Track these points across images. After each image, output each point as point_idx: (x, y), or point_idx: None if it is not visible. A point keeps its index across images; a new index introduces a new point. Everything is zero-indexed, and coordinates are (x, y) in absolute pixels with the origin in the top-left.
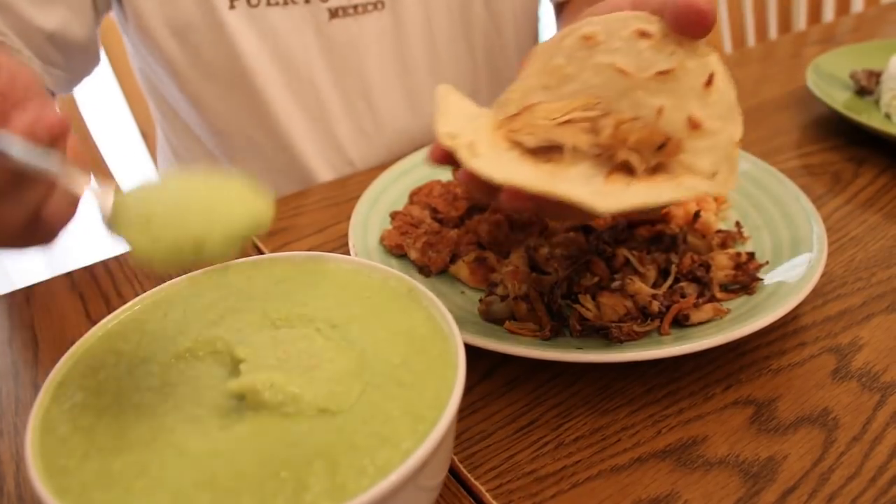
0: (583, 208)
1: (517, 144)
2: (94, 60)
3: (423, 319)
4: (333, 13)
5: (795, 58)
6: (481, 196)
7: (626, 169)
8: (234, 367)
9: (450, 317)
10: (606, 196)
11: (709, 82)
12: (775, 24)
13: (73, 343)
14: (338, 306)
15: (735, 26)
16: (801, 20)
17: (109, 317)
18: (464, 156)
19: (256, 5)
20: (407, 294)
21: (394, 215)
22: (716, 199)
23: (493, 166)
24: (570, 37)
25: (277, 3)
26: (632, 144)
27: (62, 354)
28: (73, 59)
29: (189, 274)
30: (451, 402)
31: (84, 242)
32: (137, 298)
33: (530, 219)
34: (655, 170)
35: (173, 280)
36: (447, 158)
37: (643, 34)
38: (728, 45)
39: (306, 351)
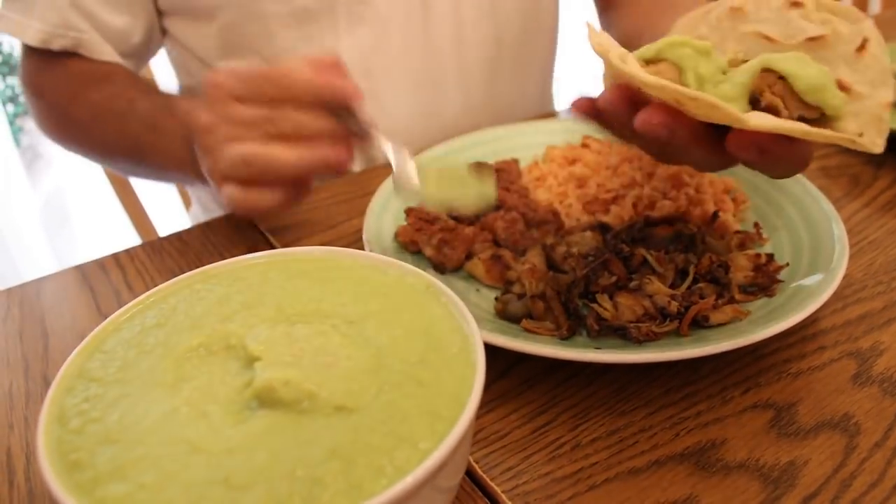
0: (731, 122)
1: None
2: (158, 48)
3: (442, 316)
4: None
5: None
6: (620, 114)
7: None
8: (249, 362)
9: (468, 314)
10: (755, 116)
11: (861, 47)
12: None
13: (83, 337)
14: (354, 303)
15: None
16: None
17: (122, 310)
18: (615, 61)
19: None
20: (425, 291)
21: (408, 211)
22: (734, 200)
23: (643, 75)
24: (716, 9)
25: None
26: (777, 91)
27: (72, 348)
28: (141, 50)
29: (203, 268)
30: (470, 401)
31: (89, 237)
32: (150, 292)
33: (545, 216)
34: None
35: (187, 274)
36: (590, 109)
37: (794, 4)
38: None
39: (322, 348)
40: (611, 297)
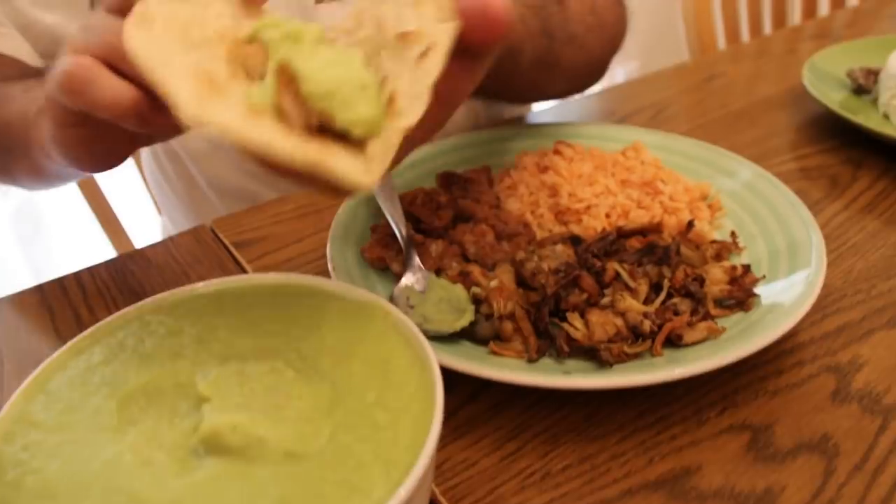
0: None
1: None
2: None
3: (400, 347)
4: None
5: (790, 54)
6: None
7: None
8: (198, 403)
9: (428, 346)
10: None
11: (424, 54)
12: (770, 18)
13: (38, 362)
14: (309, 335)
15: (728, 20)
16: (795, 14)
17: (68, 345)
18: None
19: None
20: (383, 319)
21: (374, 229)
22: (710, 207)
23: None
24: None
25: None
26: (291, 92)
27: (26, 373)
28: None
29: (154, 297)
30: (426, 447)
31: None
32: (98, 325)
33: (516, 229)
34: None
35: (137, 304)
36: None
37: None
38: (722, 41)
39: (274, 387)
40: (582, 315)
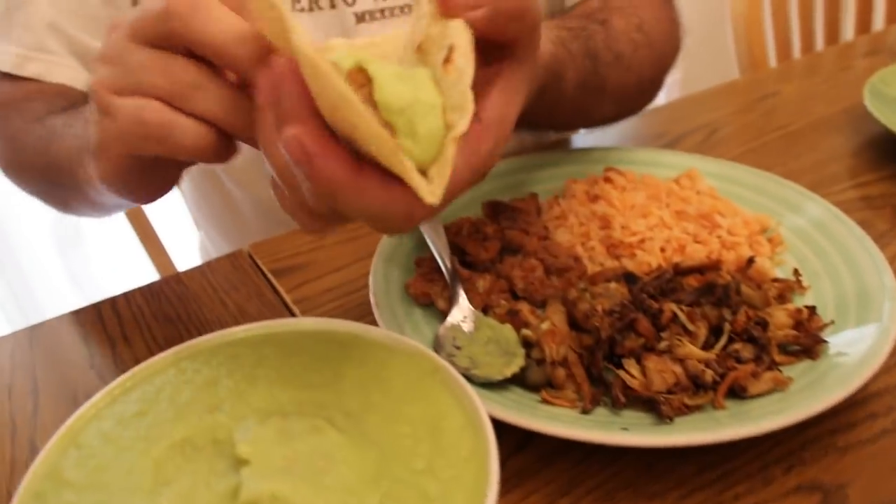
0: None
1: None
2: None
3: (451, 407)
4: (360, 18)
5: (845, 71)
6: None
7: None
8: (236, 463)
9: (481, 407)
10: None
11: (447, 59)
12: (822, 34)
13: (74, 396)
14: (354, 389)
15: (780, 34)
16: (849, 28)
17: (102, 393)
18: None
19: None
20: (432, 374)
21: (419, 262)
22: (770, 241)
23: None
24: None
25: (303, 9)
26: (362, 95)
27: (62, 410)
28: None
29: (192, 342)
30: None
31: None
32: (136, 369)
33: (567, 263)
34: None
35: (176, 348)
36: None
37: None
38: (772, 56)
39: (317, 449)
40: (638, 361)
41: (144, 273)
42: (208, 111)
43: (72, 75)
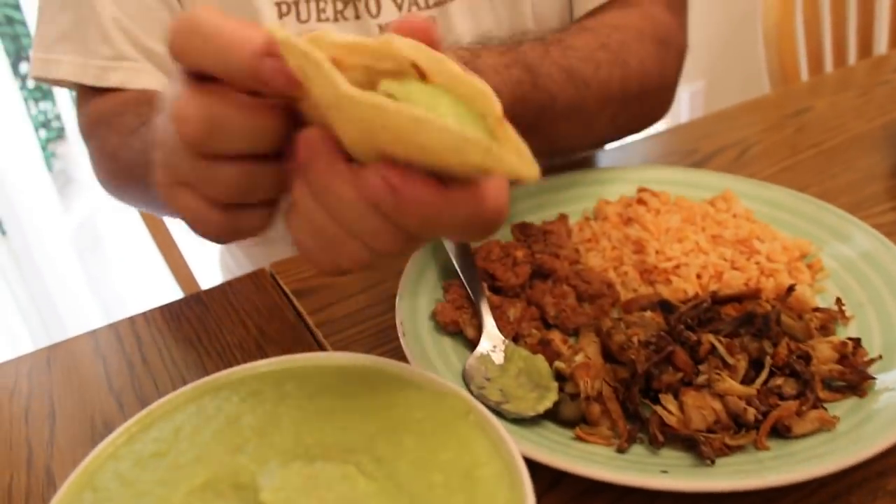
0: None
1: None
2: None
3: (486, 453)
4: (384, 29)
5: (881, 86)
6: None
7: None
8: None
9: (518, 455)
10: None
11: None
12: (854, 46)
13: (91, 420)
14: (384, 432)
15: (812, 47)
16: (882, 42)
17: (119, 430)
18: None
19: (306, 20)
20: (465, 416)
21: (447, 286)
22: (810, 267)
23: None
24: None
25: (328, 19)
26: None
27: (79, 434)
28: None
29: (212, 377)
30: None
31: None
32: (155, 405)
33: (600, 289)
34: None
35: (197, 383)
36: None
37: None
38: (804, 72)
39: (346, 498)
40: (675, 396)
41: (162, 278)
42: (239, 149)
43: (152, 80)
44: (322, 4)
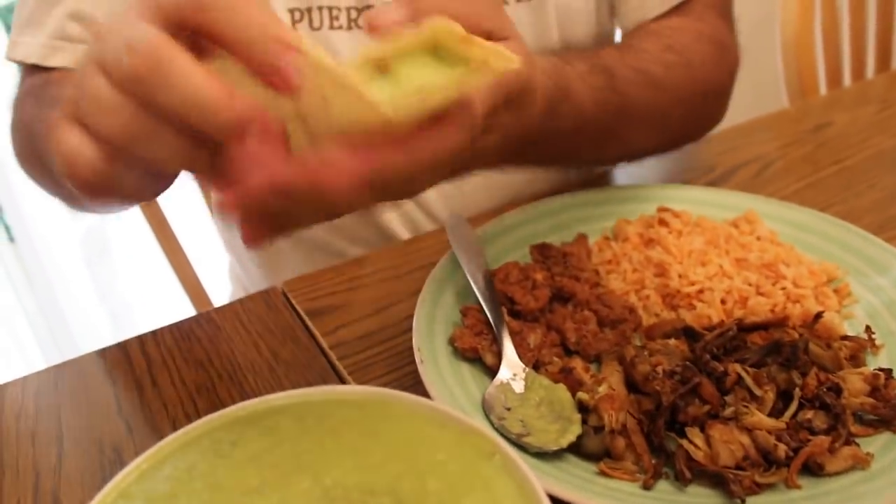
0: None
1: None
2: None
3: (511, 497)
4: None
5: None
6: None
7: None
8: None
9: (546, 499)
10: None
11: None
12: (873, 59)
13: (100, 445)
14: (406, 473)
15: (830, 59)
16: None
17: (130, 467)
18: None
19: (319, 28)
20: (490, 457)
21: (465, 311)
22: (837, 292)
23: None
24: None
25: (341, 27)
26: None
27: (86, 457)
28: None
29: (228, 410)
30: None
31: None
32: (168, 440)
33: (621, 314)
34: None
35: (210, 417)
36: None
37: None
38: (823, 85)
39: None
40: (702, 429)
41: (170, 285)
42: (154, 161)
43: None
44: (335, 12)
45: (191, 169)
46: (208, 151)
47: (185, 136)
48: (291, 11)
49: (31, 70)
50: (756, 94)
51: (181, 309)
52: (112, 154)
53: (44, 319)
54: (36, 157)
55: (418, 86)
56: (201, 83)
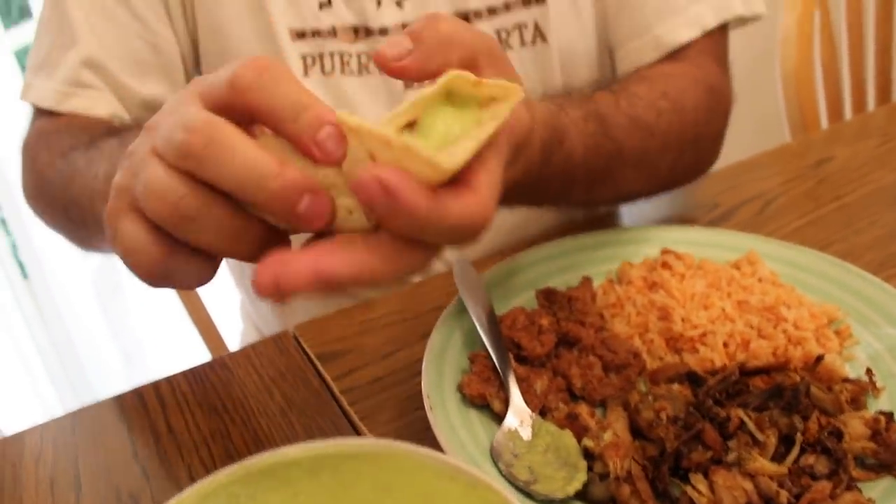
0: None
1: None
2: None
3: None
4: (408, 83)
5: None
6: None
7: None
8: None
9: None
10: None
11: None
12: (873, 91)
13: (117, 492)
14: None
15: (831, 94)
16: None
17: None
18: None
19: (331, 73)
20: None
21: (473, 357)
22: (838, 334)
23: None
24: None
25: (353, 72)
26: None
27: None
28: None
29: (243, 463)
30: None
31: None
32: (182, 495)
33: (626, 359)
34: None
35: (225, 471)
36: None
37: None
38: (823, 117)
39: None
40: (705, 475)
41: (181, 323)
42: (205, 243)
43: (108, 108)
44: (346, 58)
45: (239, 250)
46: (257, 232)
47: (238, 216)
48: (304, 57)
49: (42, 113)
50: (758, 129)
51: (192, 346)
52: (171, 244)
53: (56, 355)
54: (57, 207)
55: (444, 133)
56: (254, 154)
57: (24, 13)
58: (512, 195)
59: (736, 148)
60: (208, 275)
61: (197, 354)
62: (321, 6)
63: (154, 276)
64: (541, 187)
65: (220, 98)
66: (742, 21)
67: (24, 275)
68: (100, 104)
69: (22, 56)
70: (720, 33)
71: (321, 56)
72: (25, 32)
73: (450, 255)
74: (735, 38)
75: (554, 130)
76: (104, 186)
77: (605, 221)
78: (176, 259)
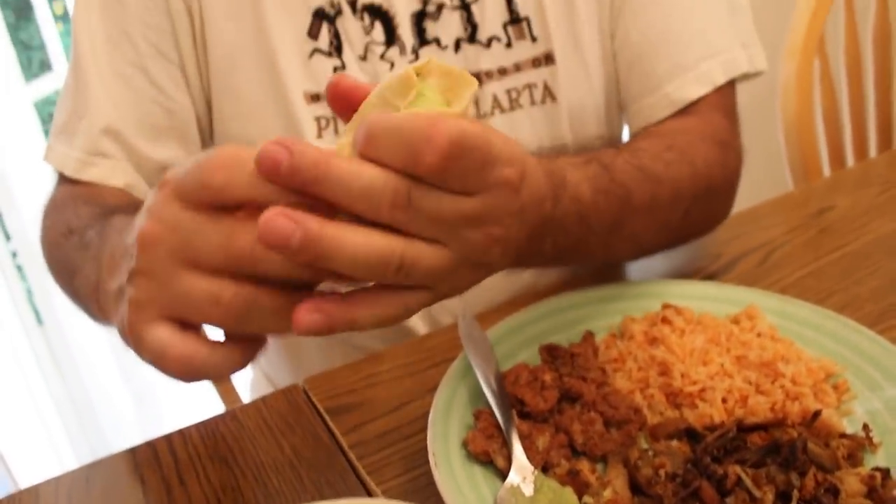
0: None
1: None
2: None
3: None
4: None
5: None
6: None
7: None
8: None
9: None
10: None
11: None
12: (875, 138)
13: None
14: None
15: (832, 141)
16: None
17: None
18: None
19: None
20: None
21: (478, 414)
22: (835, 388)
23: None
24: None
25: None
26: None
27: None
28: None
29: None
30: None
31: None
32: None
33: (627, 415)
34: None
35: None
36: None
37: None
38: (826, 166)
39: None
40: None
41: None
42: (259, 328)
43: (124, 178)
44: None
45: (284, 324)
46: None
47: (284, 292)
48: (318, 119)
49: (63, 178)
50: (760, 176)
51: (203, 391)
52: (202, 342)
53: (70, 402)
54: (64, 285)
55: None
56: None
57: (45, 66)
58: (529, 244)
59: (739, 195)
60: (239, 363)
61: (207, 400)
62: (335, 69)
63: (188, 375)
64: (556, 234)
65: (200, 200)
66: (746, 77)
67: (39, 321)
68: (116, 174)
69: (41, 107)
70: (728, 87)
71: (335, 118)
72: (45, 84)
73: (456, 305)
74: (736, 87)
75: (552, 176)
76: (95, 294)
77: (609, 275)
78: (209, 353)
